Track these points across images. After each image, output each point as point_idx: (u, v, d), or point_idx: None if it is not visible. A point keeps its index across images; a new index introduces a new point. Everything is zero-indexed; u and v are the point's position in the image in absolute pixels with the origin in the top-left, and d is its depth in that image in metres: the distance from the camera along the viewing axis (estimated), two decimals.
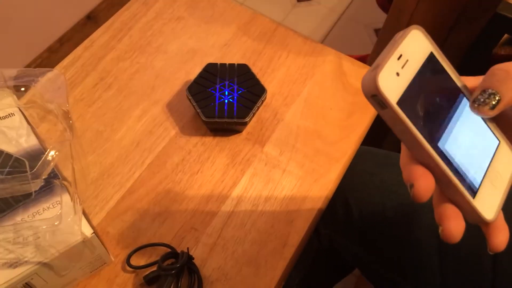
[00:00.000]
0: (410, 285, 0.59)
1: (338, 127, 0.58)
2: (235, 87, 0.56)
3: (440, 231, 0.29)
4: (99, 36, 0.64)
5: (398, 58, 0.27)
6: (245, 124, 0.55)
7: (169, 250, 0.48)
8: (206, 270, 0.48)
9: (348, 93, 0.61)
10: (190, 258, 0.47)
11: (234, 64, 0.58)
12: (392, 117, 0.27)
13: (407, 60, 0.28)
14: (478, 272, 0.54)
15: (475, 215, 0.30)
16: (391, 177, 0.62)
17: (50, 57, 1.47)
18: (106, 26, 0.65)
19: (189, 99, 0.55)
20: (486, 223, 0.30)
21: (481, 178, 0.31)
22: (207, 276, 0.48)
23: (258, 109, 0.56)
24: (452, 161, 0.29)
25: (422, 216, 0.57)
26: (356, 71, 0.63)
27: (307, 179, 0.54)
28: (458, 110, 0.30)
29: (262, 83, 0.57)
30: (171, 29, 0.65)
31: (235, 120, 0.54)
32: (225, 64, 0.58)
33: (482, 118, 0.32)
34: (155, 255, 0.49)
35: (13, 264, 0.38)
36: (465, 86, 0.32)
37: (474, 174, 0.30)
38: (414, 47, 0.29)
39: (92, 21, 1.57)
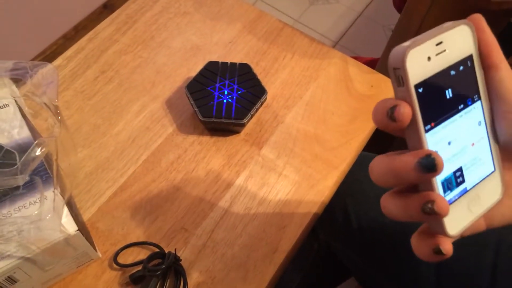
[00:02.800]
0: None
1: (339, 133, 0.57)
2: (235, 87, 0.55)
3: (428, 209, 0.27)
4: (104, 28, 0.64)
5: (437, 44, 0.27)
6: (243, 125, 0.54)
7: (157, 250, 0.48)
8: (193, 272, 0.48)
9: (352, 98, 0.60)
10: (177, 259, 0.46)
11: (235, 63, 0.57)
12: (403, 97, 0.27)
13: (445, 50, 0.27)
14: (476, 286, 0.53)
15: (438, 223, 0.29)
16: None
17: (65, 44, 1.48)
18: (111, 18, 0.65)
19: (188, 97, 0.55)
20: (445, 235, 0.29)
21: (460, 194, 0.29)
22: (193, 278, 0.47)
23: (257, 110, 0.55)
24: None
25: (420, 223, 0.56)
26: (362, 76, 0.62)
27: (303, 184, 0.53)
28: (470, 123, 0.29)
29: (264, 84, 0.56)
30: (176, 24, 0.65)
31: (233, 121, 0.53)
32: (226, 63, 0.57)
33: (488, 141, 0.30)
34: (143, 253, 0.48)
35: None
36: (488, 108, 0.30)
37: (454, 187, 0.29)
38: (457, 41, 0.28)
39: (108, 10, 1.57)
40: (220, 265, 0.48)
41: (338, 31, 1.70)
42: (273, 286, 0.49)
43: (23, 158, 0.37)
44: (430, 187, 0.28)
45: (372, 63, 0.72)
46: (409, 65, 0.26)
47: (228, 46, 0.63)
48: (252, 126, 0.57)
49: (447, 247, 0.28)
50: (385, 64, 0.89)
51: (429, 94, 0.27)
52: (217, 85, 0.55)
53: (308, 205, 0.52)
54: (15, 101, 0.46)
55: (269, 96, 0.59)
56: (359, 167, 0.57)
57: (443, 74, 0.27)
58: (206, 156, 0.54)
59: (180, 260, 0.47)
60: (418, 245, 0.30)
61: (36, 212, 0.37)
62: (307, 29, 1.68)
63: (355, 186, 0.62)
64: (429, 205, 0.27)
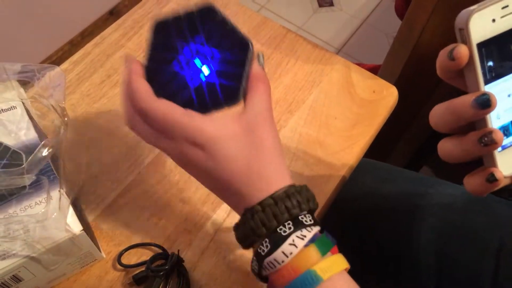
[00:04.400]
0: None
1: (341, 137, 0.58)
2: (207, 50, 0.39)
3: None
4: (110, 33, 0.65)
5: (503, 8, 0.30)
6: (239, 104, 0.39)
7: (160, 251, 0.48)
8: (196, 274, 0.48)
9: (354, 103, 0.60)
10: (180, 260, 0.47)
11: (192, 11, 0.39)
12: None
13: (510, 13, 0.30)
14: None
15: (493, 161, 0.32)
16: (390, 193, 0.61)
17: (71, 49, 1.49)
18: (118, 24, 0.66)
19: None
20: (497, 178, 0.32)
21: None
22: (196, 280, 0.48)
23: (248, 75, 0.39)
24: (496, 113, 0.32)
25: (420, 235, 0.56)
26: (364, 82, 0.62)
27: None
28: None
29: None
30: None
31: (225, 106, 0.39)
32: (179, 15, 0.39)
33: None
34: (146, 254, 0.49)
35: (0, 256, 0.39)
36: None
37: (511, 134, 0.32)
38: None
39: (114, 16, 1.58)
40: (222, 267, 0.49)
41: (341, 38, 1.71)
42: None
43: (29, 158, 0.38)
44: (486, 125, 0.31)
45: (374, 70, 0.73)
46: (472, 27, 0.29)
47: None
48: None
49: (500, 175, 0.32)
50: (387, 70, 0.89)
51: (492, 52, 0.30)
52: (181, 56, 0.39)
53: None
54: (23, 103, 0.47)
55: (272, 101, 0.59)
56: (358, 173, 0.58)
57: (507, 34, 0.30)
58: None
59: (183, 261, 0.47)
60: (470, 179, 0.33)
61: (42, 211, 0.37)
62: (311, 36, 1.69)
63: (354, 190, 0.62)
64: (486, 137, 0.30)
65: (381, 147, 0.65)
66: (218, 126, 0.37)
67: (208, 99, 0.39)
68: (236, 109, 0.39)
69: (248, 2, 1.77)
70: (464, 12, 0.30)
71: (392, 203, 0.59)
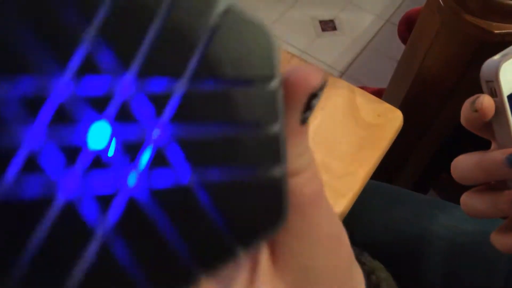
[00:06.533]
0: None
1: (347, 161, 0.58)
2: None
3: None
4: None
5: None
6: None
7: None
8: None
9: (359, 127, 0.61)
10: None
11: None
12: (498, 108, 0.29)
13: None
14: None
15: None
16: (400, 215, 0.61)
17: None
18: None
19: None
20: None
21: None
22: None
23: None
24: None
25: (430, 258, 0.56)
26: (370, 106, 0.63)
27: None
28: None
29: None
30: None
31: None
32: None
33: None
34: None
35: None
36: None
37: None
38: None
39: None
40: None
41: (344, 62, 1.73)
42: None
43: None
44: None
45: (378, 93, 0.74)
46: (502, 78, 0.28)
47: None
48: None
49: None
50: (391, 94, 0.90)
51: None
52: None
53: None
54: None
55: None
56: (366, 196, 0.58)
57: None
58: None
59: None
60: (501, 239, 0.32)
61: None
62: (315, 60, 1.71)
63: (362, 214, 0.62)
64: None
65: (387, 170, 0.65)
66: None
67: None
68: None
69: None
70: (490, 63, 0.28)
71: (402, 225, 0.59)
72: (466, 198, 0.32)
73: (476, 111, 0.28)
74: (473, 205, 0.31)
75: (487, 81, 0.29)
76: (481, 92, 0.31)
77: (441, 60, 0.74)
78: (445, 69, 0.72)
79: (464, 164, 0.31)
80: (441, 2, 0.69)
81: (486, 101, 0.28)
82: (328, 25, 1.83)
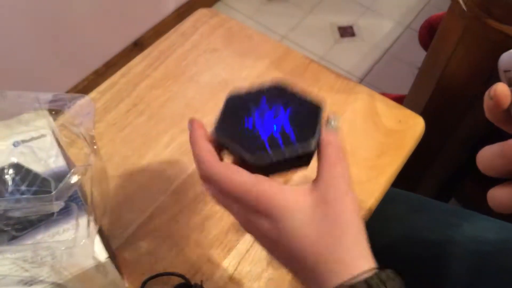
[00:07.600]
0: None
1: (367, 167, 0.57)
2: (279, 109, 0.39)
3: None
4: (137, 64, 0.66)
5: None
6: (311, 153, 0.37)
7: (183, 280, 0.48)
8: None
9: (379, 132, 0.60)
10: None
11: (265, 87, 0.40)
12: None
13: None
14: None
15: None
16: (422, 224, 0.60)
17: (96, 79, 1.53)
18: (144, 55, 0.67)
19: (222, 142, 0.38)
20: None
21: None
22: None
23: (320, 133, 0.38)
24: None
25: (451, 266, 0.55)
26: (389, 111, 0.62)
27: None
28: None
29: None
30: (205, 60, 0.67)
31: (299, 148, 0.36)
32: (251, 90, 0.40)
33: None
34: (169, 284, 0.48)
35: (28, 282, 0.39)
36: None
37: None
38: None
39: (138, 47, 1.63)
40: None
41: (363, 68, 1.71)
42: None
43: (59, 185, 0.38)
44: None
45: (398, 100, 0.73)
46: None
47: (255, 80, 0.65)
48: None
49: None
50: (412, 101, 0.89)
51: None
52: (252, 115, 0.39)
53: None
54: (52, 131, 0.48)
55: None
56: (388, 203, 0.57)
57: None
58: None
59: None
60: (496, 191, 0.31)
61: (71, 238, 0.37)
62: (333, 66, 1.70)
63: (384, 223, 0.61)
64: None
65: (408, 177, 0.64)
66: (287, 196, 0.34)
67: (281, 141, 0.36)
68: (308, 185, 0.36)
69: (270, 32, 1.80)
70: (508, 53, 0.29)
71: (424, 234, 0.58)
72: (493, 192, 0.32)
73: (491, 99, 0.29)
74: (499, 199, 0.31)
75: (505, 71, 0.29)
76: None
77: (464, 66, 0.73)
78: (468, 75, 0.71)
79: (488, 153, 0.31)
80: (464, 8, 0.68)
81: (499, 88, 0.28)
82: (346, 31, 1.82)
